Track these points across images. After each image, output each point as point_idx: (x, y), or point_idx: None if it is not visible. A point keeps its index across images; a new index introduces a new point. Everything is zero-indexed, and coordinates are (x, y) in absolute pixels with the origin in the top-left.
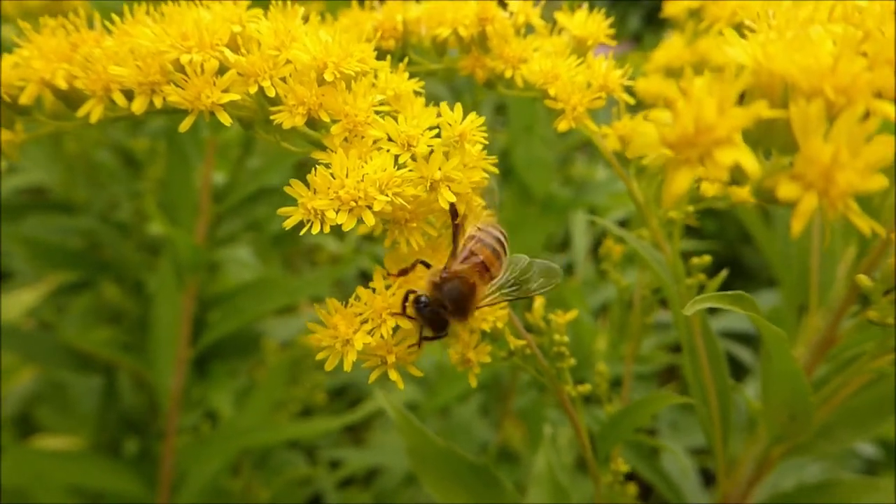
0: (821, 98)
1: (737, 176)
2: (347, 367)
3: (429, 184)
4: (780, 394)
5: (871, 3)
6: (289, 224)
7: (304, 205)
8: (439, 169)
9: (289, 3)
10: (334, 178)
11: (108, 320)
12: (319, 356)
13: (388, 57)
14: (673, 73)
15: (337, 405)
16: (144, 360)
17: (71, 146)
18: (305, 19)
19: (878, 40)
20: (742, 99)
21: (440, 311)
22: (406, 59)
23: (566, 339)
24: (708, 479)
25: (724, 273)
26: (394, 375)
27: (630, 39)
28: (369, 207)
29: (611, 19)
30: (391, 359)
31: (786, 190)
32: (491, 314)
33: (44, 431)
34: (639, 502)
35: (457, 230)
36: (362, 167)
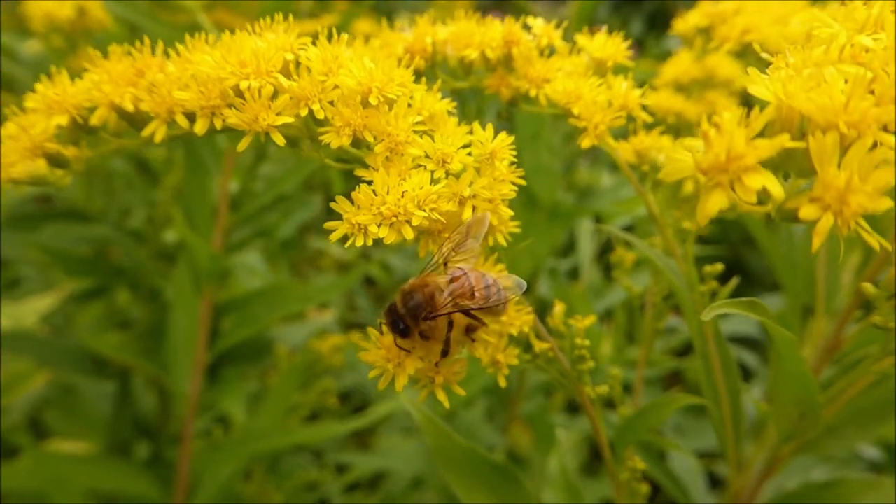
0: (835, 131)
1: (762, 198)
2: (399, 388)
3: (458, 199)
4: (790, 393)
5: (876, 43)
6: (334, 238)
7: (349, 220)
8: (470, 185)
9: (333, 30)
10: (376, 195)
11: (119, 326)
12: (371, 375)
13: (423, 79)
14: (681, 87)
15: (342, 410)
16: (161, 364)
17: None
18: (343, 41)
19: (883, 81)
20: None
21: (403, 315)
22: (439, 81)
23: (587, 342)
24: (713, 483)
25: (734, 281)
26: (441, 396)
27: (632, 44)
28: (408, 222)
29: (627, 42)
30: (439, 379)
31: (807, 211)
32: (518, 319)
33: (54, 436)
34: None
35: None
36: (402, 184)
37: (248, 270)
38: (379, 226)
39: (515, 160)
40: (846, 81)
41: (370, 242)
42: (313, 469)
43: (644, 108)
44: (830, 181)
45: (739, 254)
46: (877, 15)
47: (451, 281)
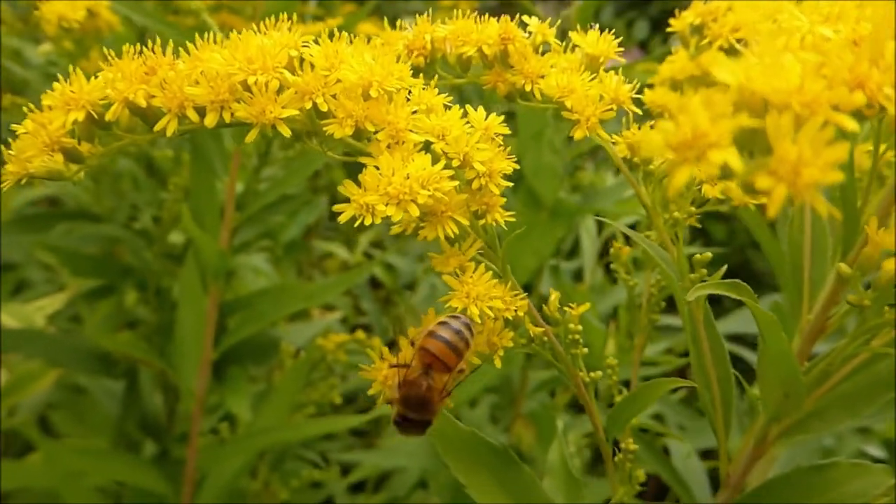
0: (790, 111)
1: (726, 172)
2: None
3: (462, 157)
4: (775, 373)
5: (835, 34)
6: (343, 219)
7: (357, 201)
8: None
9: (335, 29)
10: (382, 177)
11: (127, 326)
12: (371, 392)
13: (421, 75)
14: (677, 85)
15: (347, 412)
16: (168, 361)
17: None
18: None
19: (835, 65)
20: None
21: (409, 420)
22: (436, 77)
23: (580, 327)
24: (716, 484)
25: (723, 269)
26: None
27: (637, 47)
28: (414, 201)
29: (620, 38)
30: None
31: (762, 182)
32: (512, 304)
33: (62, 436)
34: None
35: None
36: (405, 167)
37: (254, 272)
38: (386, 205)
39: (517, 160)
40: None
41: (378, 221)
42: (319, 469)
43: (639, 103)
44: (784, 155)
45: (746, 257)
46: (840, 9)
47: (443, 363)
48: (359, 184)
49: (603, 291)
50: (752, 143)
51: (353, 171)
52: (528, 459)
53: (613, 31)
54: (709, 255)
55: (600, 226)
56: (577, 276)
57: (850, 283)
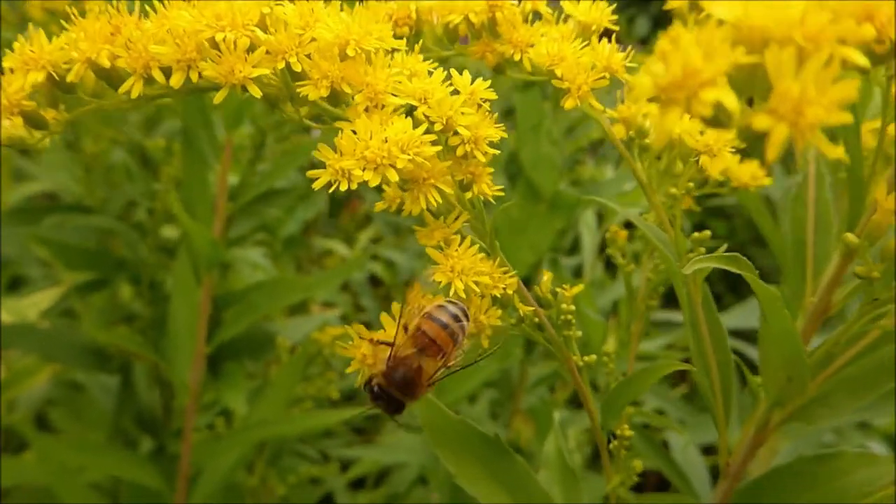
0: (792, 45)
1: (720, 116)
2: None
3: (445, 121)
4: (777, 354)
5: None
6: (318, 185)
7: (332, 166)
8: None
9: None
10: (359, 141)
11: (122, 321)
12: (348, 370)
13: (404, 40)
14: None
15: (345, 409)
16: (162, 355)
17: (88, 146)
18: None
19: None
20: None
21: (390, 396)
22: (421, 42)
23: (573, 307)
24: (717, 477)
25: (724, 245)
26: None
27: (637, 43)
28: (392, 166)
29: (620, 36)
30: None
31: (760, 121)
32: (501, 282)
33: (59, 433)
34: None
35: (401, 311)
36: (384, 131)
37: (252, 267)
38: (363, 170)
39: (515, 152)
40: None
41: (354, 186)
42: (316, 465)
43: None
44: (786, 92)
45: (747, 253)
46: None
47: (437, 347)
48: (335, 149)
49: (603, 287)
50: (750, 86)
51: None
52: (527, 455)
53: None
54: (707, 233)
55: (600, 221)
56: (577, 272)
57: (857, 254)
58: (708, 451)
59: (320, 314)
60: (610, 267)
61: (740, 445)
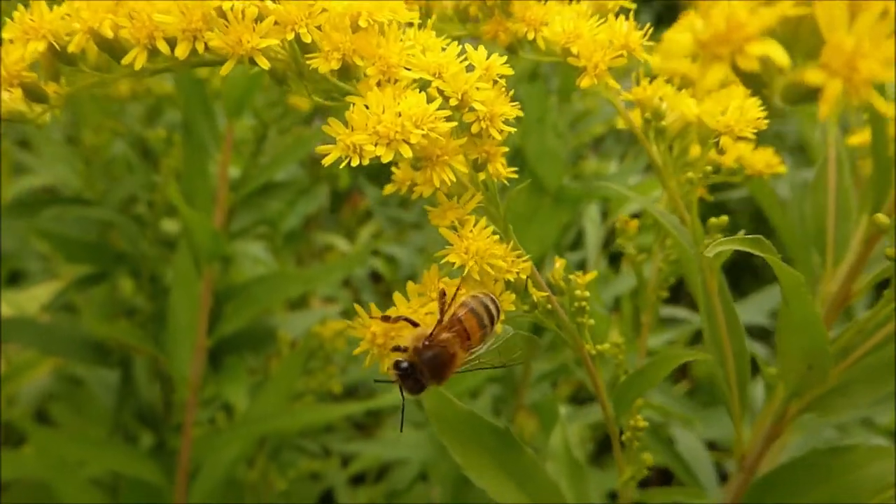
0: None
1: (764, 72)
2: (383, 369)
3: (460, 96)
4: (798, 342)
5: None
6: (328, 161)
7: (343, 141)
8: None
9: None
10: (371, 115)
11: (123, 315)
12: (356, 352)
13: (417, 13)
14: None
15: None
16: (163, 349)
17: (88, 138)
18: None
19: None
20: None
21: (418, 376)
22: (434, 17)
23: (587, 293)
24: (722, 474)
25: (742, 231)
26: None
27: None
28: (406, 141)
29: None
30: None
31: (813, 76)
32: (515, 266)
33: (59, 428)
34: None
35: (443, 297)
36: (397, 105)
37: (253, 261)
38: (375, 145)
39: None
40: None
41: (366, 162)
42: (317, 460)
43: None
44: (839, 45)
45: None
46: None
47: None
48: (346, 118)
49: (606, 281)
50: (796, 43)
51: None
52: (532, 450)
53: None
54: (725, 218)
55: (604, 218)
56: (580, 268)
57: (885, 233)
58: (711, 447)
59: (321, 309)
60: (613, 262)
61: (756, 437)
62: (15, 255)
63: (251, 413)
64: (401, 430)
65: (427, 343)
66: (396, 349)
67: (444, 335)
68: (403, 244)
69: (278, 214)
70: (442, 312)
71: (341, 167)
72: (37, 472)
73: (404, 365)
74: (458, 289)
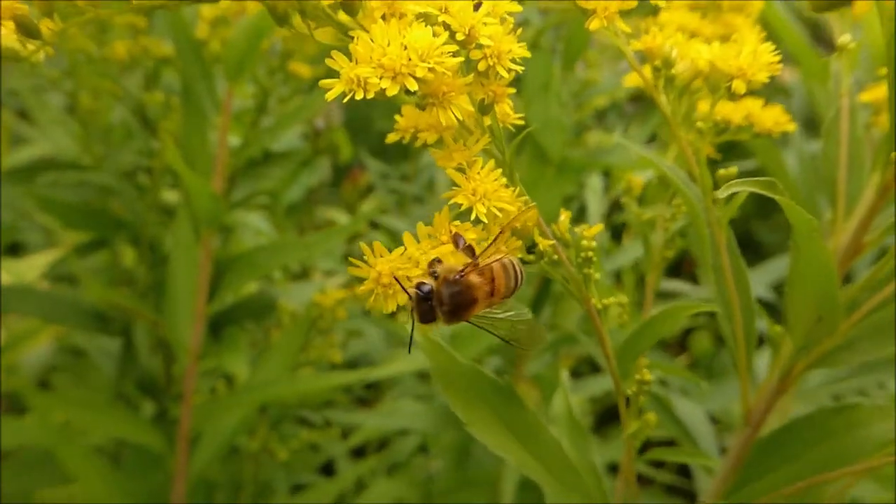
0: None
1: None
2: (387, 310)
3: (467, 30)
4: (808, 291)
5: None
6: (331, 96)
7: (346, 73)
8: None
9: None
10: (376, 47)
11: (123, 284)
12: (360, 290)
13: None
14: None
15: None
16: (163, 316)
17: (86, 101)
18: None
19: None
20: None
21: (435, 303)
22: None
23: (594, 243)
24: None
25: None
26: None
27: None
28: (412, 75)
29: None
30: None
31: None
32: (522, 216)
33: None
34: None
35: (458, 238)
36: (403, 38)
37: (253, 232)
38: (380, 78)
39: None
40: None
41: (370, 95)
42: (317, 430)
43: None
44: None
45: (749, 228)
46: None
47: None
48: (350, 50)
49: (608, 254)
50: None
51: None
52: None
53: None
54: (735, 169)
55: (605, 190)
56: None
57: None
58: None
59: (322, 279)
60: (615, 237)
61: (763, 393)
62: (15, 227)
63: (252, 381)
64: (409, 352)
65: (456, 278)
66: (436, 261)
67: (475, 278)
68: (405, 216)
69: (280, 183)
70: (475, 256)
71: (345, 100)
72: (38, 439)
73: (426, 287)
74: (494, 238)
